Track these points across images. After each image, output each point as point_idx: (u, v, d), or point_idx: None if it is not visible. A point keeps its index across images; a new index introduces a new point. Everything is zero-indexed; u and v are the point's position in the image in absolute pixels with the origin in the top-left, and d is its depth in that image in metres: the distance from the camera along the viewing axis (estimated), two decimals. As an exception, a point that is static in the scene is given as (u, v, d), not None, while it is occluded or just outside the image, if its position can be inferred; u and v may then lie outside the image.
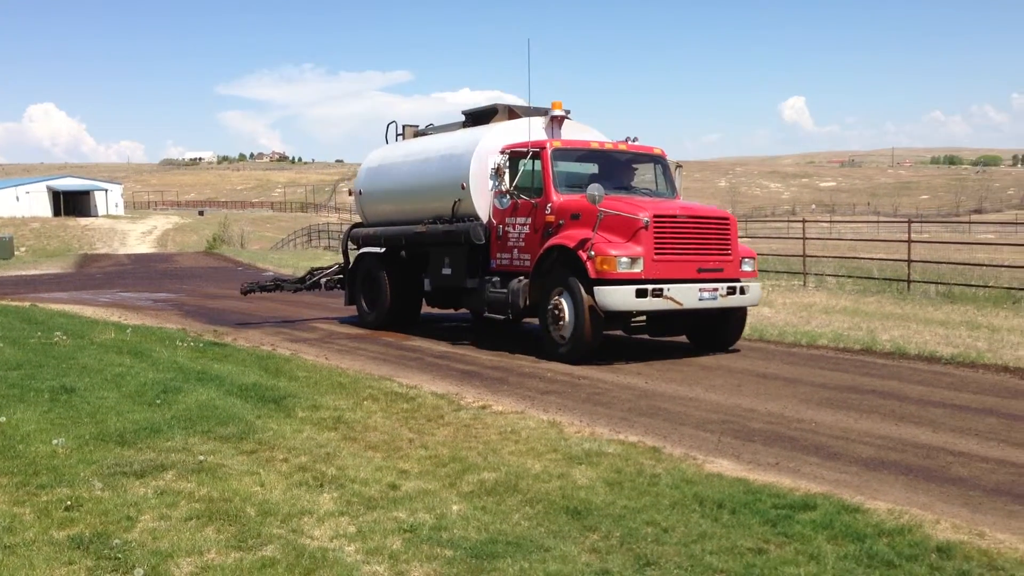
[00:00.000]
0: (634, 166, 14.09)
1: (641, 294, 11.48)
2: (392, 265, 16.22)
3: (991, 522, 5.77)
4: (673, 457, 7.39)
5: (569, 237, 12.01)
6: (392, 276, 16.07)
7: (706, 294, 11.98)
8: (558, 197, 12.66)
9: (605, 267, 11.45)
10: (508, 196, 12.82)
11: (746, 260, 12.68)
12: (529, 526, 5.69)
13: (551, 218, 12.51)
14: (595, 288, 11.49)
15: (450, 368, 12.01)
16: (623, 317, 12.02)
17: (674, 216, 12.06)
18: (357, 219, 18.37)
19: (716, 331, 13.13)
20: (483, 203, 13.76)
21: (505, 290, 12.92)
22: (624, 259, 11.46)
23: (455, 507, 6.04)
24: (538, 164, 12.91)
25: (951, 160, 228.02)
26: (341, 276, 17.79)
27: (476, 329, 16.64)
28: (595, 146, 13.64)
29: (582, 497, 6.22)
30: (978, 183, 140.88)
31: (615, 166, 13.83)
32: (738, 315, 12.95)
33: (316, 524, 5.70)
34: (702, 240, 12.20)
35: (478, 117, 15.47)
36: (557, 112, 14.02)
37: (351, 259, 17.51)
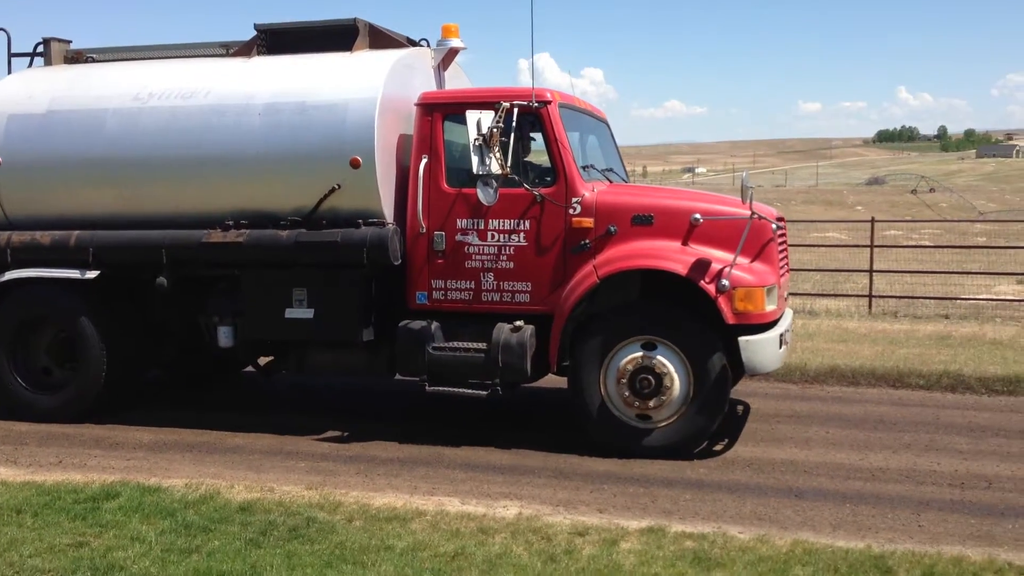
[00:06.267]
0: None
1: (781, 342, 7.32)
2: (115, 303, 8.50)
3: (275, 478, 6.66)
4: (-61, 474, 6.71)
5: (658, 255, 7.16)
6: (116, 324, 8.44)
7: (788, 334, 7.82)
8: (589, 189, 7.45)
9: (749, 307, 6.98)
10: (495, 183, 7.17)
11: None
12: None
13: (586, 222, 7.33)
14: (742, 340, 6.97)
15: None
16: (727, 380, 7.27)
17: (780, 218, 7.87)
18: None
19: None
20: (390, 193, 7.76)
21: (479, 345, 7.41)
22: (769, 291, 7.18)
23: None
24: (532, 130, 7.65)
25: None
26: None
27: None
28: (579, 104, 8.40)
29: None
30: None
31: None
32: None
33: None
34: (786, 254, 8.18)
35: (299, 37, 8.55)
36: (455, 43, 8.46)
37: None
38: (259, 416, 8.52)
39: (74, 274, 8.26)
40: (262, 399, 9.62)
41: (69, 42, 9.52)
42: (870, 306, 14.74)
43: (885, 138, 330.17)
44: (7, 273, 8.45)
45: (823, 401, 9.09)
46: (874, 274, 15.23)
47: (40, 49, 9.35)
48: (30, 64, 9.35)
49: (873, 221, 15.91)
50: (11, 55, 9.40)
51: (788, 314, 8.08)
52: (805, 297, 15.29)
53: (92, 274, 8.23)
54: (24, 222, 8.54)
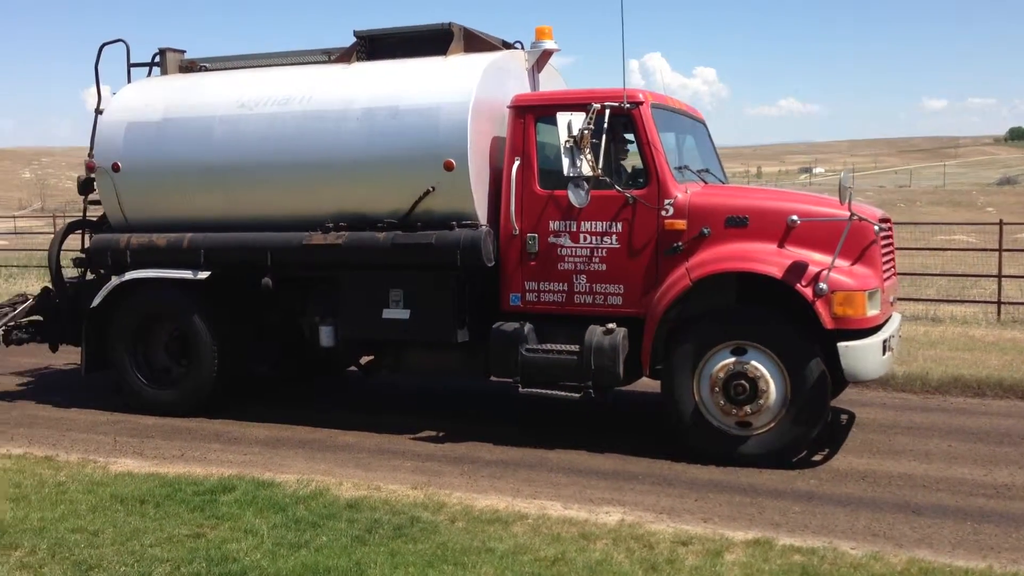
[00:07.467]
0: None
1: (885, 348, 7.05)
2: (224, 303, 8.83)
3: (381, 477, 6.80)
4: (72, 463, 7.13)
5: (752, 258, 7.03)
6: (225, 323, 8.79)
7: (895, 340, 7.51)
8: (682, 190, 7.37)
9: (849, 312, 6.77)
10: (586, 185, 7.12)
11: None
12: (-67, 557, 5.08)
13: (678, 224, 7.26)
14: (841, 346, 6.78)
15: None
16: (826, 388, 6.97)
17: (886, 220, 7.69)
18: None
19: None
20: (483, 195, 7.86)
21: (571, 348, 7.41)
22: (871, 295, 6.93)
23: None
24: (625, 131, 7.62)
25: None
26: (39, 320, 9.74)
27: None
28: (674, 105, 8.33)
29: (-11, 517, 5.73)
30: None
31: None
32: None
33: None
34: (892, 255, 7.89)
35: (397, 43, 8.71)
36: (548, 45, 8.50)
37: (98, 290, 9.02)
38: (368, 415, 8.70)
39: (187, 274, 8.59)
40: (371, 398, 9.80)
41: (183, 52, 9.83)
42: (999, 313, 14.02)
43: (1018, 136, 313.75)
44: (127, 273, 8.81)
45: (945, 413, 8.69)
46: (1003, 279, 14.49)
47: (157, 59, 9.69)
48: (148, 74, 9.73)
49: (1001, 224, 15.11)
50: (130, 65, 9.72)
51: (895, 319, 7.78)
52: (928, 303, 14.68)
53: (203, 274, 8.54)
54: (141, 224, 8.93)
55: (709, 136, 8.91)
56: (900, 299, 14.20)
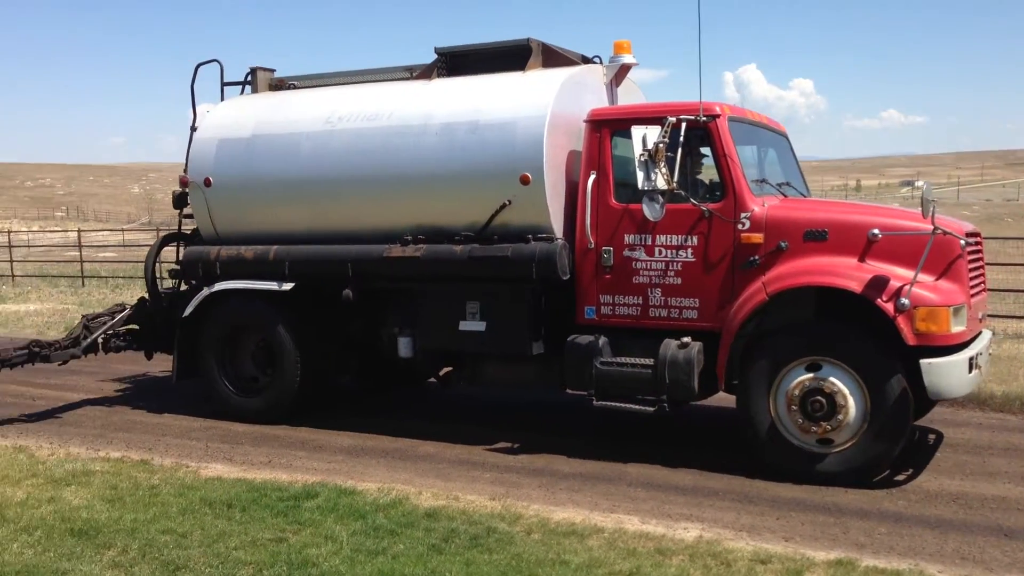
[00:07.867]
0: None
1: (971, 366, 6.87)
2: (307, 314, 9.05)
3: (460, 487, 6.86)
4: (165, 467, 7.40)
5: (831, 272, 6.88)
6: (308, 333, 9.03)
7: (983, 357, 7.26)
8: (759, 204, 7.30)
9: (932, 328, 6.61)
10: (661, 199, 7.14)
11: None
12: (34, 554, 5.40)
13: (755, 238, 7.18)
14: (924, 363, 6.58)
15: None
16: (908, 405, 6.75)
17: (975, 234, 7.46)
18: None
19: None
20: (559, 209, 7.92)
21: (646, 361, 7.38)
22: (956, 311, 6.76)
23: (-66, 548, 5.38)
24: (701, 144, 7.58)
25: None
26: (136, 328, 10.11)
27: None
28: (753, 118, 8.25)
29: (84, 517, 6.02)
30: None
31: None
32: None
33: None
34: (981, 271, 7.67)
35: (476, 59, 8.83)
36: (627, 59, 8.54)
37: (190, 300, 9.36)
38: (447, 425, 8.79)
39: (272, 286, 8.84)
40: (449, 409, 9.87)
41: (273, 71, 10.10)
42: (1109, 331, 13.34)
43: None
44: (217, 284, 9.10)
45: (1046, 434, 8.32)
46: (1115, 296, 13.78)
47: (248, 78, 10.00)
48: (241, 92, 10.05)
49: (1115, 238, 14.37)
50: (223, 84, 10.01)
51: (985, 336, 7.53)
52: (1033, 321, 14.06)
53: (288, 286, 8.77)
54: (231, 237, 9.23)
55: (791, 149, 8.78)
56: (1003, 316, 13.77)
